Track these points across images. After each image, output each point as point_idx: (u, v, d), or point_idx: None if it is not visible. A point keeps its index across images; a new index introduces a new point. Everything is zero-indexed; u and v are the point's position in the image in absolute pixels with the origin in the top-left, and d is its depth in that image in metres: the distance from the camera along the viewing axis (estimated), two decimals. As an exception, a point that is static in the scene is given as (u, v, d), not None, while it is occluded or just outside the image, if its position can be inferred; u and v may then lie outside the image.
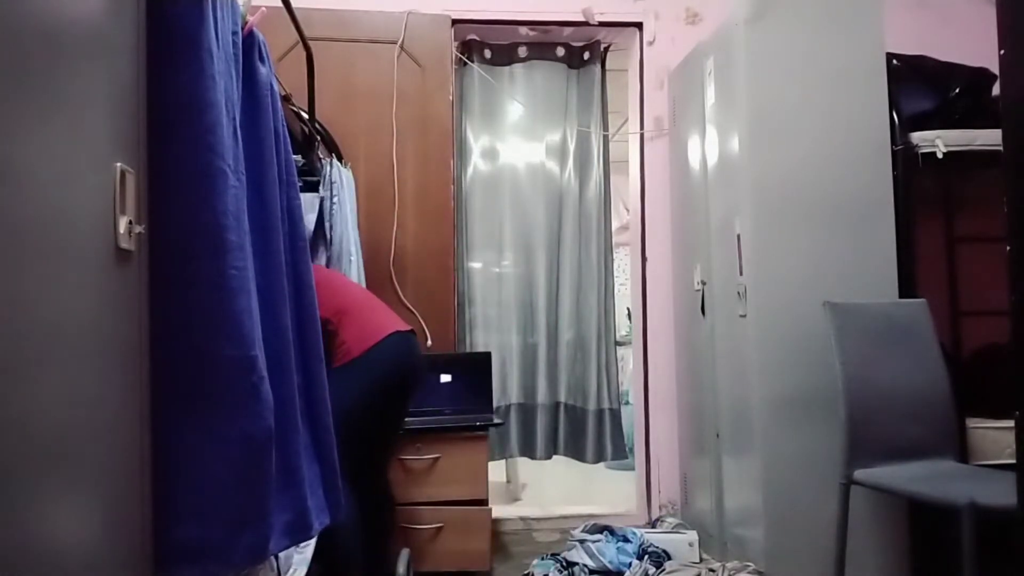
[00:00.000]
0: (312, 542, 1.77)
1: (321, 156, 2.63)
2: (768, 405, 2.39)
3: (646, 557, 2.58)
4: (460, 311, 3.40)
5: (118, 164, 0.99)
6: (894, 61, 2.56)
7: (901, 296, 2.44)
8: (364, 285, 2.61)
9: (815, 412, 2.33)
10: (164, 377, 1.13)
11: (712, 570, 2.46)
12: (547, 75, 3.64)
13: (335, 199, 2.55)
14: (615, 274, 3.79)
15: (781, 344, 2.40)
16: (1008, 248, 1.08)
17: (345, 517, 1.93)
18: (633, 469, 3.46)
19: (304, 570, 1.71)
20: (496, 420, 2.95)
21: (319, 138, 2.60)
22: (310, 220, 2.42)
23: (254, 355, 1.24)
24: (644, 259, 3.33)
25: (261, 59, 1.52)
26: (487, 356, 3.09)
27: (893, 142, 2.48)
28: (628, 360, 4.16)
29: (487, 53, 3.57)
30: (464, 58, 3.48)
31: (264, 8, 1.57)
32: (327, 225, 2.53)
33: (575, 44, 3.63)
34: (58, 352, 0.85)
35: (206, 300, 1.18)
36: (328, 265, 2.53)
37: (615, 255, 3.85)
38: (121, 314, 1.01)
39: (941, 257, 2.85)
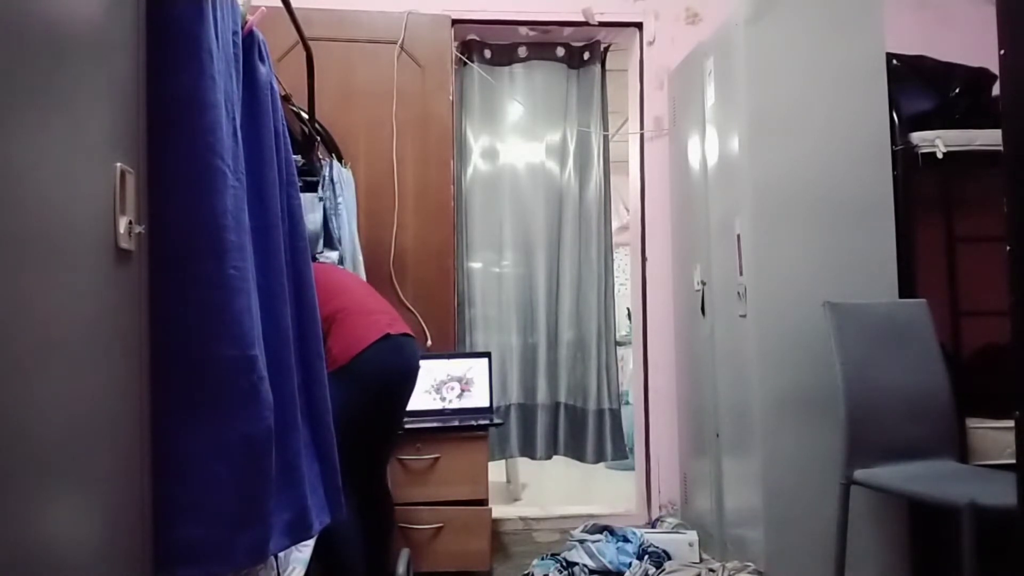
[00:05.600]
0: (311, 542, 1.77)
1: (321, 156, 2.63)
2: (768, 405, 2.39)
3: (646, 557, 2.58)
4: (460, 311, 3.40)
5: (118, 164, 0.99)
6: (894, 61, 2.56)
7: (901, 296, 2.44)
8: (365, 285, 2.60)
9: (815, 412, 2.33)
10: (164, 377, 1.13)
11: (712, 570, 2.46)
12: (547, 75, 3.63)
13: (339, 199, 2.55)
14: (615, 274, 3.78)
15: (781, 344, 2.40)
16: (1008, 248, 1.08)
17: (343, 519, 1.94)
18: (633, 469, 3.46)
19: (303, 569, 1.72)
20: (496, 420, 2.95)
21: (319, 138, 2.59)
22: (312, 220, 2.41)
23: (254, 355, 1.24)
24: (644, 259, 3.33)
25: (261, 59, 1.52)
26: (487, 356, 3.09)
27: (893, 142, 2.48)
28: (628, 360, 4.16)
29: (487, 53, 3.57)
30: (464, 58, 3.48)
31: (264, 8, 1.57)
32: (332, 226, 2.52)
33: (575, 44, 3.62)
34: (58, 352, 0.85)
35: (206, 300, 1.18)
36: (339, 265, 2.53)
37: (615, 255, 3.85)
38: (121, 314, 1.01)
39: (941, 257, 2.85)
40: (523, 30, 3.46)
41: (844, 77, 2.49)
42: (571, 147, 3.65)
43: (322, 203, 2.50)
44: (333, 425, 1.78)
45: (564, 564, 2.61)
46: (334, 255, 2.52)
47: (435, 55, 3.11)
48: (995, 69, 1.65)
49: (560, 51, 3.63)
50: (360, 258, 2.67)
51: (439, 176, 3.12)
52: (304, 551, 1.75)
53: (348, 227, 2.58)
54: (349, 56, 3.03)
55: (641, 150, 3.36)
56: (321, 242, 2.49)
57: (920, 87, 2.61)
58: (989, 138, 2.43)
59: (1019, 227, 1.07)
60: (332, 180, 2.54)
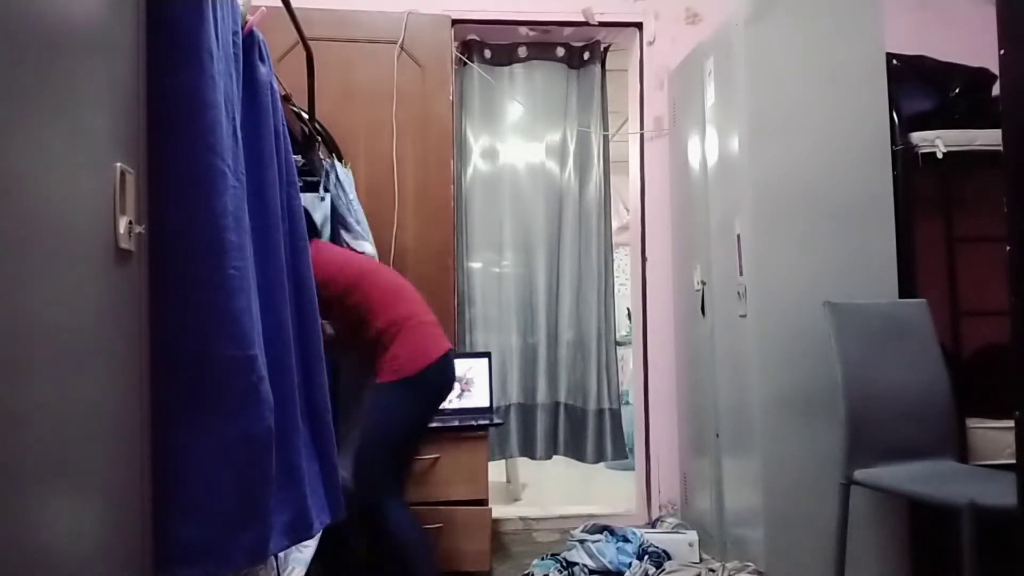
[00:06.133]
0: (313, 542, 1.77)
1: (321, 156, 2.63)
2: (768, 405, 2.39)
3: (646, 557, 2.58)
4: (460, 311, 3.40)
5: (118, 164, 0.99)
6: (894, 61, 2.56)
7: (901, 296, 2.44)
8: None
9: (815, 412, 2.32)
10: (164, 377, 1.13)
11: (712, 570, 2.46)
12: (547, 75, 3.63)
13: (350, 197, 2.56)
14: (615, 274, 3.78)
15: (781, 344, 2.40)
16: (1008, 248, 1.08)
17: (410, 531, 2.10)
18: (633, 469, 3.46)
19: (303, 569, 1.72)
20: (496, 420, 2.95)
21: (319, 138, 2.60)
22: (319, 220, 2.42)
23: (254, 355, 1.24)
24: (644, 259, 3.33)
25: (261, 59, 1.52)
26: (487, 356, 3.09)
27: (893, 142, 2.48)
28: (628, 360, 4.15)
29: (487, 53, 3.57)
30: (464, 58, 3.48)
31: (264, 8, 1.57)
32: (350, 220, 2.54)
33: (575, 44, 3.62)
34: (58, 352, 0.85)
35: (206, 300, 1.18)
36: None
37: (615, 255, 3.85)
38: (121, 314, 1.01)
39: (941, 257, 2.85)
40: (523, 30, 3.46)
41: (844, 77, 2.49)
42: (571, 147, 3.65)
43: (328, 195, 2.51)
44: (391, 436, 2.00)
45: (564, 564, 2.61)
46: (367, 246, 2.56)
47: (435, 55, 3.11)
48: (995, 69, 1.65)
49: (560, 51, 3.63)
50: None
51: (439, 176, 3.12)
52: (305, 551, 1.75)
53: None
54: (349, 56, 3.03)
55: (641, 150, 3.36)
56: (344, 232, 2.52)
57: (920, 87, 2.61)
58: (989, 138, 2.43)
59: (1019, 227, 1.06)
60: (339, 179, 2.55)
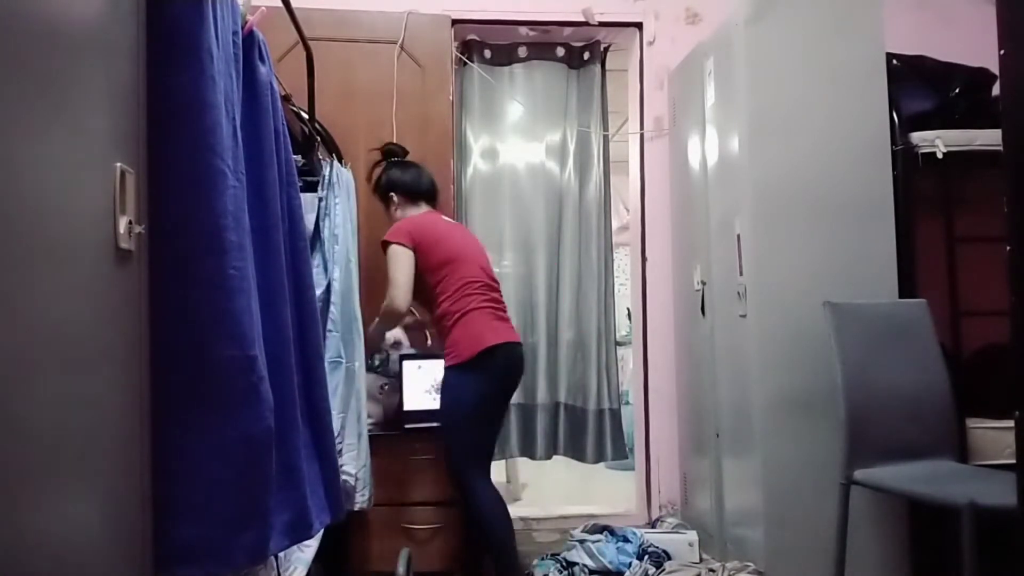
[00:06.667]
0: (314, 542, 1.77)
1: (321, 156, 2.62)
2: (768, 405, 2.39)
3: (646, 557, 2.58)
4: (460, 311, 3.39)
5: (118, 164, 0.99)
6: (894, 61, 2.56)
7: (901, 296, 2.44)
8: (357, 289, 2.57)
9: (815, 412, 2.33)
10: (164, 377, 1.13)
11: (712, 570, 2.46)
12: (547, 75, 3.63)
13: (336, 200, 2.54)
14: (615, 274, 3.78)
15: (781, 344, 2.40)
16: (1008, 248, 1.08)
17: (492, 506, 2.31)
18: (633, 469, 3.46)
19: (304, 570, 1.72)
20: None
21: (319, 138, 2.59)
22: (309, 220, 2.40)
23: (254, 355, 1.24)
24: (644, 259, 3.33)
25: (261, 59, 1.52)
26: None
27: (893, 142, 2.48)
28: (628, 360, 4.15)
29: (487, 53, 3.56)
30: (464, 58, 3.48)
31: (264, 8, 1.57)
32: (322, 225, 2.51)
33: (575, 44, 3.62)
34: (58, 352, 0.85)
35: (206, 300, 1.18)
36: (327, 268, 2.51)
37: (615, 255, 3.84)
38: (121, 314, 1.02)
39: (941, 257, 2.85)
40: (523, 30, 3.46)
41: (844, 77, 2.49)
42: (571, 147, 3.65)
43: (318, 204, 2.49)
44: (462, 417, 2.25)
45: (564, 564, 2.61)
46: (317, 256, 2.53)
47: (435, 55, 3.11)
48: (995, 69, 1.65)
49: (560, 51, 3.62)
50: (353, 259, 2.64)
51: (439, 176, 3.10)
52: (306, 551, 1.75)
53: (343, 228, 2.56)
54: (349, 56, 3.03)
55: (641, 150, 3.36)
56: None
57: (920, 87, 2.61)
58: (989, 138, 2.43)
59: (1019, 227, 1.07)
60: (328, 181, 2.53)
